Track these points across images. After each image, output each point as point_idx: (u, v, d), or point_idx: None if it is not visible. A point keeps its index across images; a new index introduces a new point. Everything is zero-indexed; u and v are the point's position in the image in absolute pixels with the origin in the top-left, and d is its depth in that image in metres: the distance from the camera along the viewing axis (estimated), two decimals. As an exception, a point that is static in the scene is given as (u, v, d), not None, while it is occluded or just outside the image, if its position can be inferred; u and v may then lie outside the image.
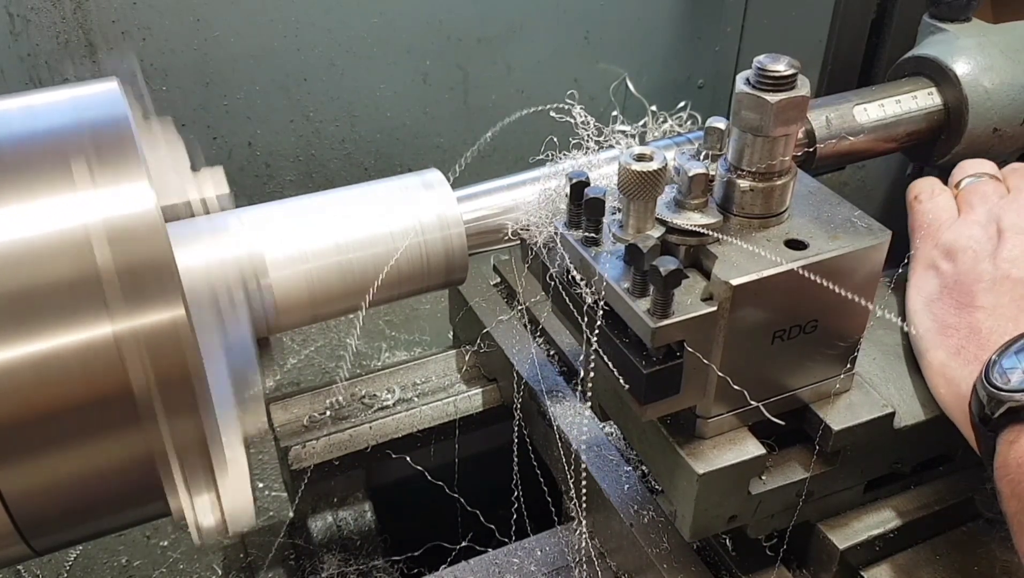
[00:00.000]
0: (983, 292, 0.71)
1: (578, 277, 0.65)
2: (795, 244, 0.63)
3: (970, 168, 0.84)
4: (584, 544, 0.81)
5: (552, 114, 0.75)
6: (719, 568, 0.78)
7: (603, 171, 0.75)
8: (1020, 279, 0.70)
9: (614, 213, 0.66)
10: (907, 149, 0.95)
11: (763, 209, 0.64)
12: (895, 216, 0.87)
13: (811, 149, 0.86)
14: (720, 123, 0.67)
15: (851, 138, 0.87)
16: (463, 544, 0.88)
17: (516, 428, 0.82)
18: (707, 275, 0.62)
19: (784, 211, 0.65)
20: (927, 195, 0.82)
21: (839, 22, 1.12)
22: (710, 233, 0.62)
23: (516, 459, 0.82)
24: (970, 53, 0.90)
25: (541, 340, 0.97)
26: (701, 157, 0.67)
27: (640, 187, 0.61)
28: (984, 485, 0.75)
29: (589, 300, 0.64)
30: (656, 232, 0.63)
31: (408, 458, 0.97)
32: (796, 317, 0.63)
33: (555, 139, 0.74)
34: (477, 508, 0.90)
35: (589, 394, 0.77)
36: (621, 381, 0.63)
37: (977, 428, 0.64)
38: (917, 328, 0.74)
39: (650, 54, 1.44)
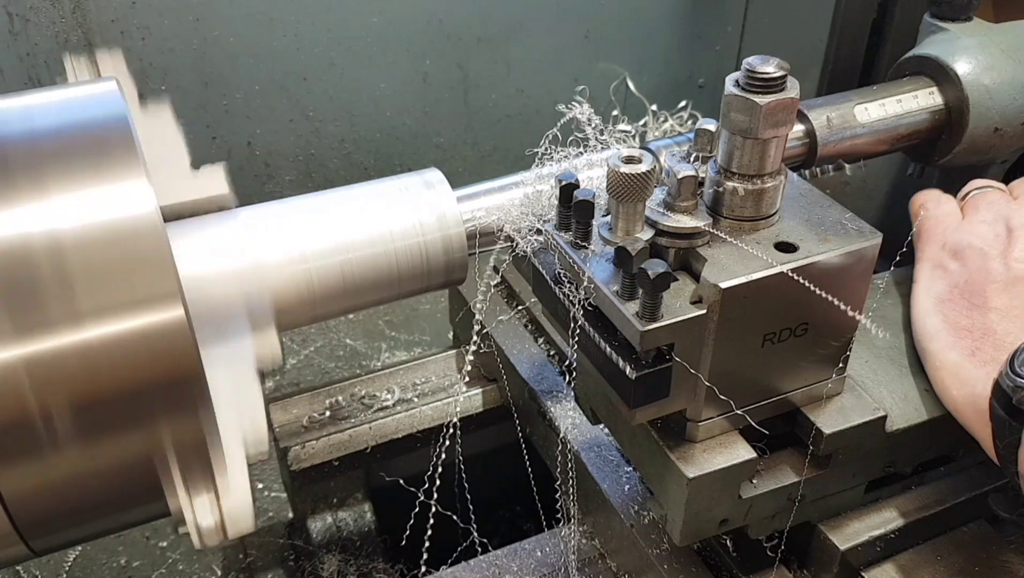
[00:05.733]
0: (996, 293, 0.71)
1: (566, 279, 0.65)
2: (785, 246, 0.62)
3: (976, 183, 0.84)
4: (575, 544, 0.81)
5: (560, 107, 0.74)
6: (719, 568, 0.78)
7: (599, 172, 0.74)
8: None
9: (604, 215, 0.65)
10: (908, 149, 0.94)
11: (753, 211, 0.64)
12: (896, 216, 0.87)
13: (812, 149, 0.86)
14: (710, 125, 0.66)
15: (853, 133, 0.87)
16: (463, 544, 0.88)
17: (497, 425, 0.82)
18: (696, 278, 0.62)
19: (774, 213, 0.65)
20: (933, 203, 0.83)
21: (839, 22, 1.12)
22: (701, 234, 0.62)
23: (481, 456, 0.81)
24: (971, 52, 0.90)
25: (541, 340, 0.97)
26: (691, 159, 0.67)
27: (628, 189, 0.60)
28: (997, 482, 0.74)
29: (574, 303, 0.63)
30: (645, 235, 0.62)
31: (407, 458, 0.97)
32: (786, 320, 0.63)
33: (559, 133, 0.74)
34: (477, 508, 0.90)
35: (576, 395, 0.77)
36: (609, 385, 0.63)
37: (999, 423, 0.63)
38: (927, 329, 0.74)
39: (650, 54, 1.44)
